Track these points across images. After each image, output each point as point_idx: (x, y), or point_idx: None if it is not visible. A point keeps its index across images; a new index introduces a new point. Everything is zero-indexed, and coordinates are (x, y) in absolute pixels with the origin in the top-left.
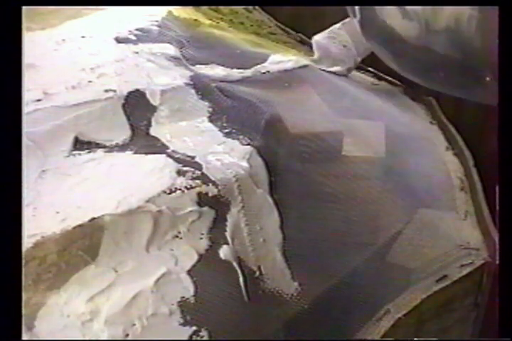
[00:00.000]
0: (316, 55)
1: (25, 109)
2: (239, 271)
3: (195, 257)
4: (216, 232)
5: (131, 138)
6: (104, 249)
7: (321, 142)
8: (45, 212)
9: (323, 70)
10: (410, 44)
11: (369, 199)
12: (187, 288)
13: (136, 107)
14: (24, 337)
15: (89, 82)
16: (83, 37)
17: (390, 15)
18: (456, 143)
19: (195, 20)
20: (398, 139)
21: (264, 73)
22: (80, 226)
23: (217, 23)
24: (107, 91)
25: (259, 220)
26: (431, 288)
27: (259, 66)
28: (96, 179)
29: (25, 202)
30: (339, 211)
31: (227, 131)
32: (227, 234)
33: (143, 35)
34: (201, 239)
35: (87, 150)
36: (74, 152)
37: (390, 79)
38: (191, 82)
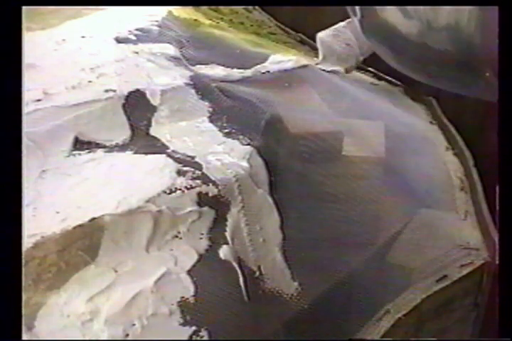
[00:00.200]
0: (319, 54)
1: (25, 109)
2: (239, 271)
3: (195, 257)
4: (216, 232)
5: (131, 138)
6: (104, 249)
7: (321, 142)
8: (45, 212)
9: (323, 70)
10: (411, 41)
11: (369, 199)
12: (187, 288)
13: (136, 107)
14: (24, 337)
15: (89, 82)
16: (83, 37)
17: (391, 13)
18: (456, 143)
19: (195, 20)
20: (398, 139)
21: (264, 73)
22: (80, 226)
23: (217, 23)
24: (107, 91)
25: (259, 220)
26: (431, 288)
27: (259, 66)
28: (96, 179)
29: (25, 202)
30: (339, 211)
31: (227, 131)
32: (227, 234)
33: (143, 35)
34: (201, 239)
35: (87, 150)
36: (74, 152)
37: (389, 79)
38: (191, 82)
